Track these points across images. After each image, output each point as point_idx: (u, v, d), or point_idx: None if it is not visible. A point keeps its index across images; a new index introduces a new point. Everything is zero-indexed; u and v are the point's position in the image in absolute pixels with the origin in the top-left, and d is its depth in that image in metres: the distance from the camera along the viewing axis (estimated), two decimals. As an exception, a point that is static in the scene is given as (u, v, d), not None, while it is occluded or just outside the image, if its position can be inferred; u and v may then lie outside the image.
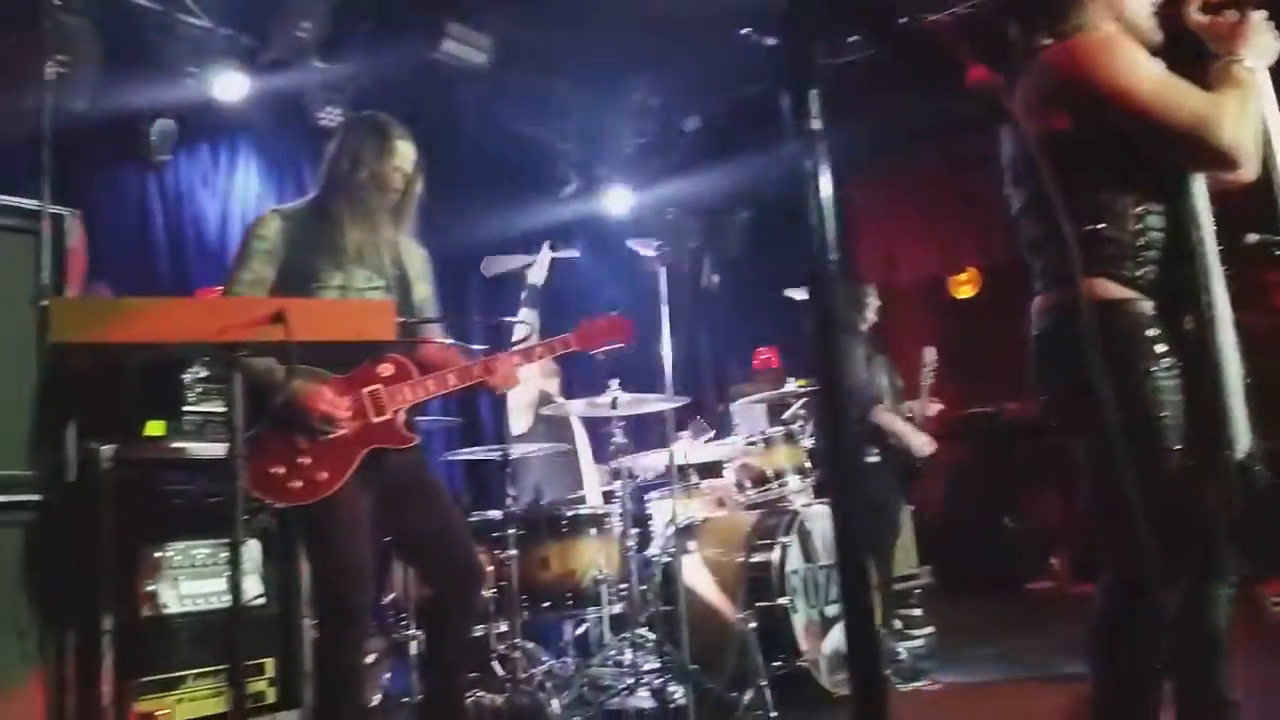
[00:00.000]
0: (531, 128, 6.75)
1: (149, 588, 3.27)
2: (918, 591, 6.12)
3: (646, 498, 5.23)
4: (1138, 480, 1.91)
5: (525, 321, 3.29)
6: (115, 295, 3.67)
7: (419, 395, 2.84)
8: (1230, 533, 1.97)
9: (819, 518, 4.29)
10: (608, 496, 4.92)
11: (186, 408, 3.51)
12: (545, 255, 5.21)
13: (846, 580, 1.00)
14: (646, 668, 3.92)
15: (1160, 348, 2.03)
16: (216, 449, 3.45)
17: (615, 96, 7.03)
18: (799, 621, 3.94)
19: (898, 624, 5.06)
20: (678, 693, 3.64)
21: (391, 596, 4.42)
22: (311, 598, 3.50)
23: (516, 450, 4.53)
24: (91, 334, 2.11)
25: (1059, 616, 6.09)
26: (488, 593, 4.11)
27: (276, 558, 3.60)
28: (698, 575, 4.27)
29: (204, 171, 5.33)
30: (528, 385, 4.78)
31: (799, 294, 4.59)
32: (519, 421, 5.07)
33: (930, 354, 5.56)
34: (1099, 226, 2.07)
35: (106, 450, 3.20)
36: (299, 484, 2.65)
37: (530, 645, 4.19)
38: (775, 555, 4.04)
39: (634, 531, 4.39)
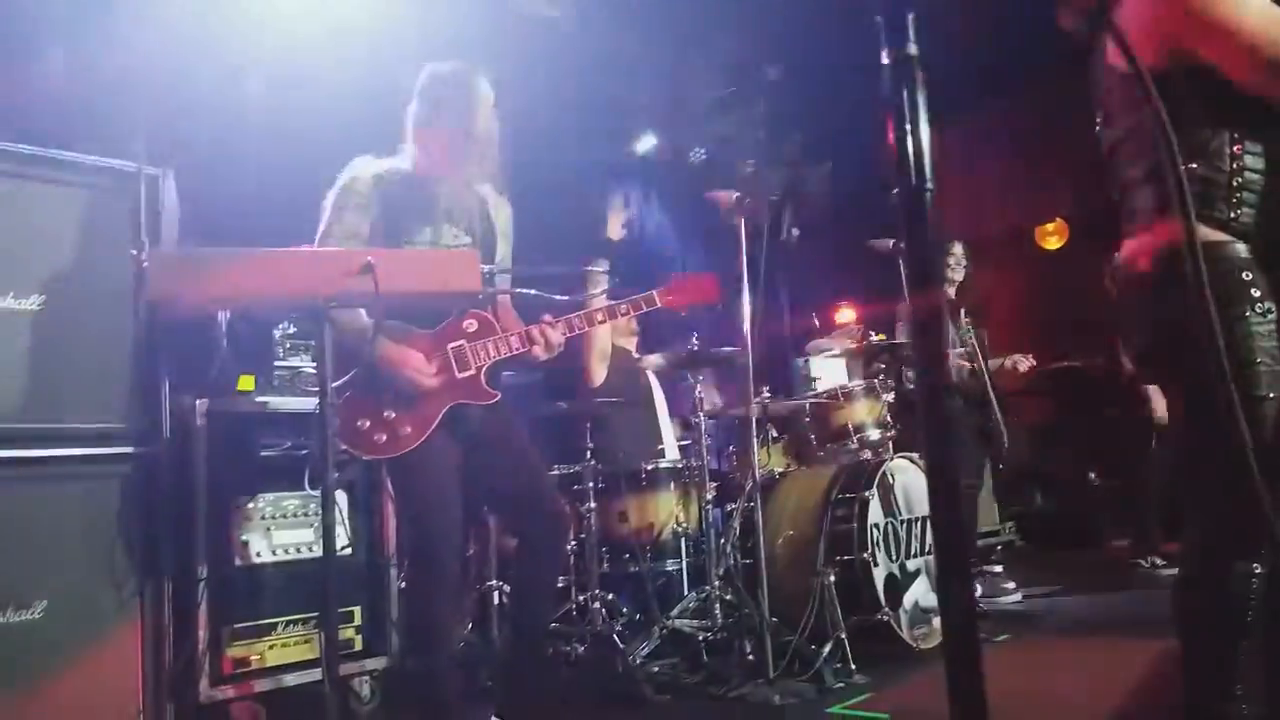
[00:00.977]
0: (608, 80, 6.71)
1: (242, 538, 3.37)
2: (999, 548, 6.07)
3: (726, 451, 5.23)
4: (1223, 433, 1.84)
5: (604, 270, 3.27)
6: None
7: (502, 351, 2.84)
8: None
9: (899, 471, 4.25)
10: (685, 450, 4.93)
11: (276, 363, 3.60)
12: (619, 208, 5.18)
13: (941, 529, 0.98)
14: (724, 620, 3.94)
15: (1255, 292, 1.94)
16: (305, 403, 3.53)
17: (695, 46, 6.94)
18: (879, 575, 3.92)
19: (979, 581, 5.02)
20: (756, 645, 3.65)
21: (473, 550, 4.50)
22: (401, 548, 3.59)
23: (595, 405, 4.57)
24: (187, 287, 2.16)
25: (1142, 574, 5.99)
26: (568, 545, 4.16)
27: (362, 509, 3.69)
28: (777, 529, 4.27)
29: (295, 129, 5.39)
30: (600, 338, 4.79)
31: (883, 244, 4.52)
32: (595, 375, 5.10)
33: None
34: (1192, 165, 1.98)
35: (200, 405, 3.30)
36: (384, 438, 2.69)
37: (610, 596, 4.24)
38: (855, 509, 4.01)
39: (712, 485, 4.41)
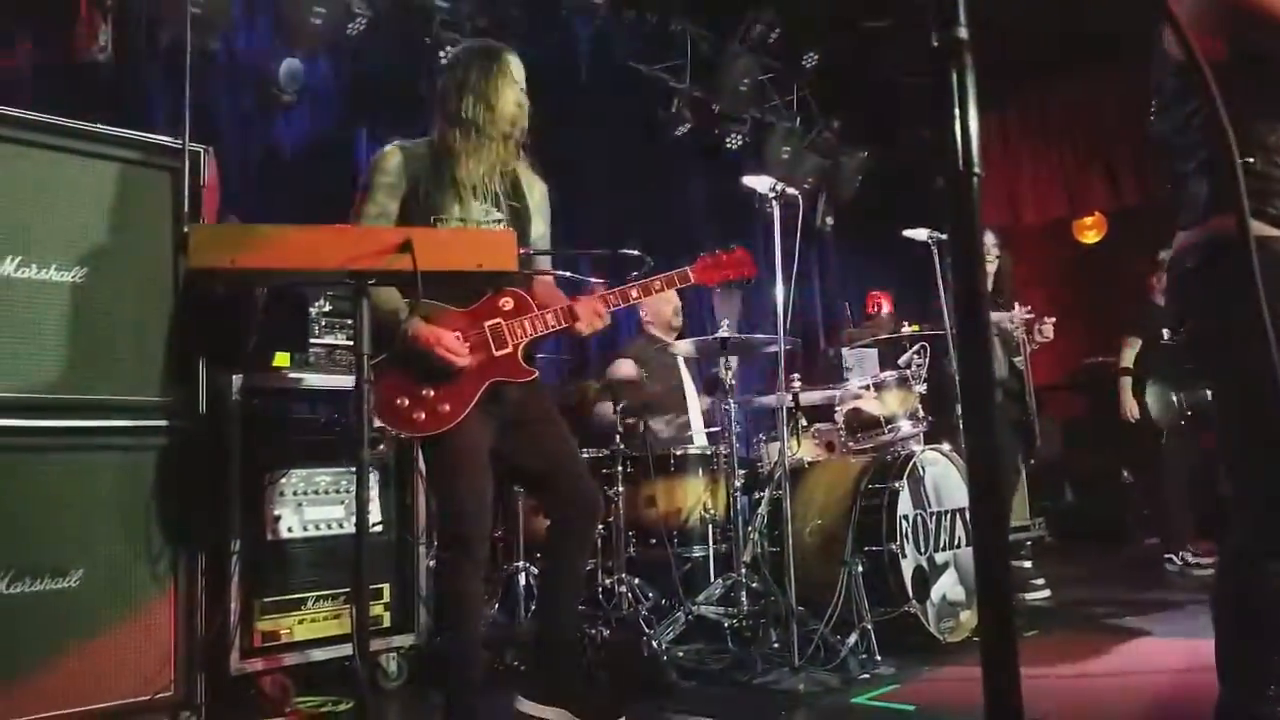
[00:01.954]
0: (648, 64, 6.69)
1: (274, 513, 3.40)
2: (1029, 544, 6.03)
3: (755, 439, 5.22)
4: (1271, 429, 1.81)
5: (639, 254, 3.26)
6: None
7: (538, 329, 2.84)
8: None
9: (930, 464, 4.22)
10: (714, 437, 4.93)
11: (312, 340, 3.62)
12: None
13: (980, 521, 0.97)
14: (750, 608, 3.94)
15: None
16: (339, 380, 3.56)
17: (734, 32, 6.92)
18: (907, 567, 3.90)
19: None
20: (782, 633, 3.65)
21: (501, 530, 4.52)
22: (432, 526, 3.61)
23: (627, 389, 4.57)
24: (227, 259, 2.17)
25: (1173, 572, 5.92)
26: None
27: (393, 487, 3.71)
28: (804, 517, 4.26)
29: (331, 108, 5.43)
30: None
31: (918, 234, 4.47)
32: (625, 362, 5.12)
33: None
34: (1247, 160, 1.95)
35: (236, 380, 3.33)
36: (422, 415, 2.69)
37: (636, 581, 4.25)
38: (885, 500, 3.99)
39: (741, 473, 4.40)
